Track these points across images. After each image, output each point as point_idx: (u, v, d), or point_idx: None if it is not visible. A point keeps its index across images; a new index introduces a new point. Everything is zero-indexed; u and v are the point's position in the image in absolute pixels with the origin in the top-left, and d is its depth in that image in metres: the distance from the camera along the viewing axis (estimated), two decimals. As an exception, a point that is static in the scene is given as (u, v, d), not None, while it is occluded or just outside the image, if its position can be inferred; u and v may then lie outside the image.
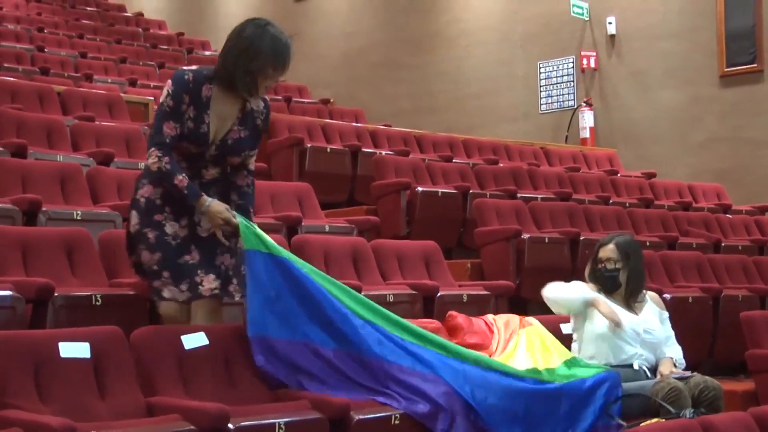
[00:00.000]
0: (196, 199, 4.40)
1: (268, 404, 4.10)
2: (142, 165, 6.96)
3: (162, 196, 4.42)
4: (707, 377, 5.05)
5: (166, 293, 4.40)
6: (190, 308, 4.46)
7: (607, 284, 5.38)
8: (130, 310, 4.69)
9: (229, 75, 4.44)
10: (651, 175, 11.52)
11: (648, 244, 8.08)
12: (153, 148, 4.37)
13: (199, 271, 4.41)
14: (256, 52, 4.40)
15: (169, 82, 4.45)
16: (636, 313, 5.36)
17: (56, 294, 4.40)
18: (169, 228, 4.42)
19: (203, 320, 4.44)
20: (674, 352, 5.35)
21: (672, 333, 5.44)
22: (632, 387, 5.05)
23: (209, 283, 4.41)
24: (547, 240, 7.51)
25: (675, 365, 5.24)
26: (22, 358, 3.66)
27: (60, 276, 4.75)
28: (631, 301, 5.40)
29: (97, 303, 4.58)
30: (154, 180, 4.43)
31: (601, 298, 5.29)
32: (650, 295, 5.55)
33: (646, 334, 5.28)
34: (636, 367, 5.22)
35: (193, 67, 4.54)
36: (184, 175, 4.39)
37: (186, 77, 4.43)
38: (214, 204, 4.41)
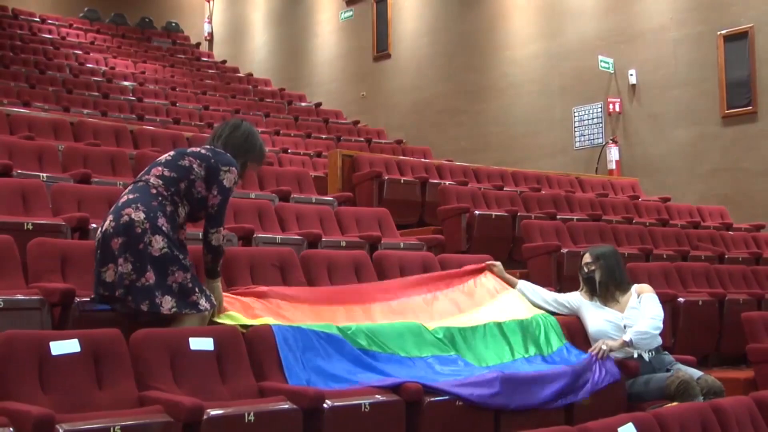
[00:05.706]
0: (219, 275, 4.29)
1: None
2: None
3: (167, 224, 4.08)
4: (710, 379, 4.89)
5: (202, 305, 4.05)
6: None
7: (588, 284, 5.30)
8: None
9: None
10: (666, 200, 11.32)
11: (665, 256, 8.02)
12: (222, 227, 4.18)
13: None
14: (251, 147, 4.36)
15: (233, 169, 4.20)
16: (621, 310, 5.17)
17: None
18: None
19: None
20: (636, 328, 5.00)
21: (648, 311, 5.07)
22: (647, 379, 4.95)
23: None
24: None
25: (629, 344, 4.93)
26: (162, 350, 3.72)
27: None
28: (614, 296, 5.21)
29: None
30: (164, 210, 4.05)
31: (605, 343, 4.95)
32: (636, 288, 5.28)
33: (629, 328, 5.03)
34: (635, 356, 5.01)
35: (220, 149, 4.28)
36: None
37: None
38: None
